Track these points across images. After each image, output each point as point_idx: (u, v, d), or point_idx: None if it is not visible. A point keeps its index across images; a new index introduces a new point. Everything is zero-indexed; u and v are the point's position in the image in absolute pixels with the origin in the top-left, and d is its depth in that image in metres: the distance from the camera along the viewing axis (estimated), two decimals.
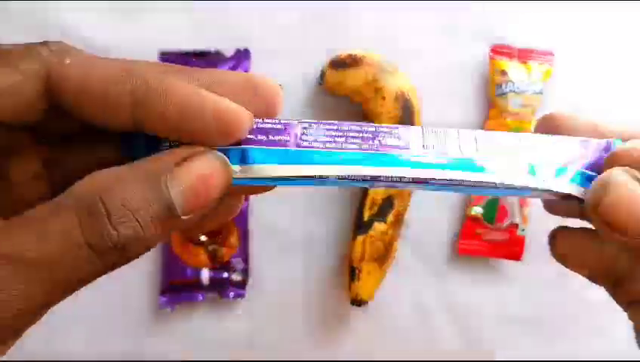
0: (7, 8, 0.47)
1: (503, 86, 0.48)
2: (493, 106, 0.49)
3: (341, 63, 0.46)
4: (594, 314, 0.49)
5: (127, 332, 0.48)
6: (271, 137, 0.19)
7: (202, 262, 0.48)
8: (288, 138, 0.19)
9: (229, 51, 0.48)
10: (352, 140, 0.20)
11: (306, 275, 0.49)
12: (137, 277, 0.49)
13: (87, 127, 0.18)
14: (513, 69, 0.48)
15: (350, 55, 0.46)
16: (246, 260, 0.49)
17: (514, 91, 0.48)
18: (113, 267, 0.16)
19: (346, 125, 0.20)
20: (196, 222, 0.17)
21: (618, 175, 0.18)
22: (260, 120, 0.19)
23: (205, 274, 0.48)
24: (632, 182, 0.17)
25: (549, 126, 0.22)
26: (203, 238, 0.48)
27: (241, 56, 0.48)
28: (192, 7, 0.48)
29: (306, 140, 0.19)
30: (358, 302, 0.47)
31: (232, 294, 0.48)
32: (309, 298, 0.49)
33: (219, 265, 0.48)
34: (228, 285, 0.48)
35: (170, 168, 0.16)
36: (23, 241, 0.15)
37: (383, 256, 0.46)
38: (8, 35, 0.46)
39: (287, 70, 0.48)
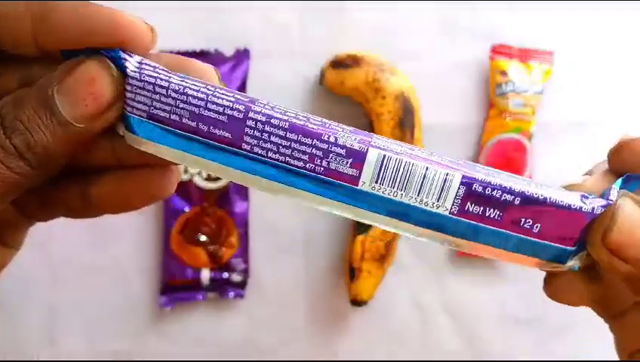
0: None
1: (503, 86, 0.48)
2: (493, 106, 0.49)
3: (341, 63, 0.46)
4: (594, 314, 0.49)
5: (127, 332, 0.48)
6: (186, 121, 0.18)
7: (202, 262, 0.48)
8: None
9: (229, 51, 0.48)
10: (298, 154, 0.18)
11: (306, 275, 0.49)
12: (137, 277, 0.49)
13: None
14: (513, 68, 0.48)
15: (350, 55, 0.46)
16: (246, 260, 0.49)
17: (514, 91, 0.48)
18: (26, 175, 0.18)
19: (299, 127, 0.18)
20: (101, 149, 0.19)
21: (625, 204, 0.18)
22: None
23: (205, 274, 0.48)
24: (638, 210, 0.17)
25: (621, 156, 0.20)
26: (203, 238, 0.48)
27: (241, 56, 0.48)
28: (192, 7, 0.48)
29: (248, 143, 0.18)
30: (358, 302, 0.47)
31: (232, 294, 0.48)
32: (309, 298, 0.49)
33: (219, 265, 0.48)
34: (228, 285, 0.48)
35: (58, 79, 0.18)
36: None
37: (383, 256, 0.46)
38: None
39: (287, 70, 0.48)
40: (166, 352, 0.48)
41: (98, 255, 0.48)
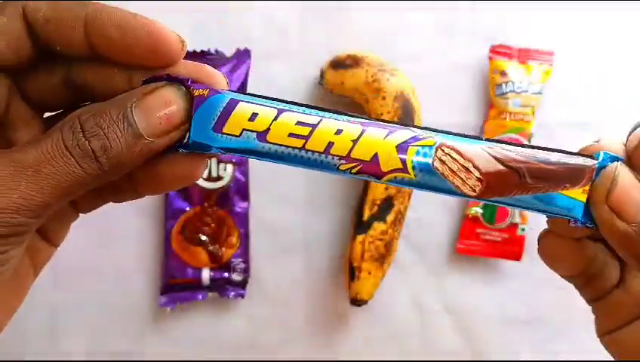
0: None
1: (503, 86, 0.48)
2: (493, 106, 0.49)
3: (341, 63, 0.46)
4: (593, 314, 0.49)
5: (127, 332, 0.49)
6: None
7: (202, 261, 0.48)
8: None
9: (229, 51, 0.48)
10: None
11: (306, 275, 0.49)
12: (137, 276, 0.49)
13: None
14: (513, 69, 0.48)
15: (350, 55, 0.46)
16: (246, 260, 0.49)
17: (514, 91, 0.48)
18: (95, 176, 0.20)
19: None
20: (164, 158, 0.21)
21: (623, 168, 0.21)
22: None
23: (205, 274, 0.48)
24: (632, 176, 0.20)
25: None
26: (203, 238, 0.48)
27: (241, 56, 0.48)
28: (192, 7, 0.48)
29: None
30: (358, 302, 0.47)
31: (232, 294, 0.48)
32: (309, 298, 0.49)
33: (219, 264, 0.48)
34: (228, 285, 0.48)
35: (137, 96, 0.20)
36: (24, 150, 0.19)
37: (383, 256, 0.46)
38: None
39: (287, 70, 0.48)
40: (166, 352, 0.48)
41: (98, 255, 0.48)
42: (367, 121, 0.21)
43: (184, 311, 0.49)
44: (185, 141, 0.21)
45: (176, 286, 0.48)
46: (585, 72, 0.50)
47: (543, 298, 0.50)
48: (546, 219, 0.24)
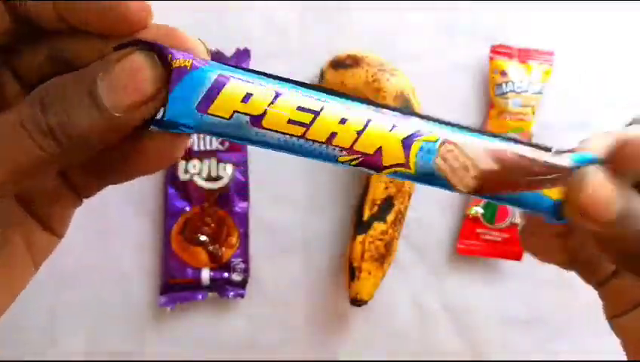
0: None
1: (503, 86, 0.48)
2: (493, 106, 0.49)
3: (341, 63, 0.46)
4: (594, 314, 0.49)
5: (127, 332, 0.49)
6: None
7: (202, 261, 0.48)
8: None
9: (229, 51, 0.48)
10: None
11: (306, 275, 0.49)
12: (137, 276, 0.49)
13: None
14: (513, 69, 0.48)
15: (350, 55, 0.46)
16: (246, 260, 0.49)
17: (514, 91, 0.48)
18: (56, 156, 0.18)
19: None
20: (137, 129, 0.19)
21: (592, 170, 0.20)
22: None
23: (205, 274, 0.48)
24: (603, 177, 0.20)
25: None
26: (203, 238, 0.48)
27: (241, 56, 0.48)
28: (192, 7, 0.48)
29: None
30: (358, 302, 0.47)
31: (232, 294, 0.48)
32: (308, 298, 0.49)
33: (219, 264, 0.48)
34: (228, 285, 0.48)
35: (104, 66, 0.18)
36: None
37: (383, 256, 0.46)
38: None
39: (287, 70, 0.48)
40: (166, 352, 0.48)
41: (98, 255, 0.48)
42: (371, 107, 0.19)
43: (184, 311, 0.49)
44: (159, 117, 0.18)
45: (176, 286, 0.48)
46: (585, 72, 0.50)
47: (543, 298, 0.50)
48: (521, 213, 0.24)
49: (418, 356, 0.50)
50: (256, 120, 0.18)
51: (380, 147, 0.19)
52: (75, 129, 0.18)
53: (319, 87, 0.19)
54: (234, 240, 0.48)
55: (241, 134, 0.18)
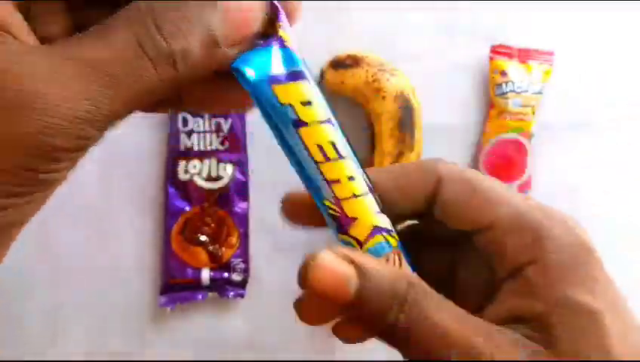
0: None
1: (503, 86, 0.48)
2: (493, 106, 0.49)
3: (341, 63, 0.46)
4: None
5: (127, 332, 0.48)
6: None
7: (202, 261, 0.48)
8: None
9: None
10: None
11: None
12: (137, 276, 0.49)
13: None
14: (513, 68, 0.48)
15: (350, 55, 0.46)
16: (246, 260, 0.49)
17: (514, 91, 0.48)
18: (168, 83, 0.17)
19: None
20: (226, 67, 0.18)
21: (319, 256, 0.19)
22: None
23: (205, 274, 0.48)
24: (334, 260, 0.19)
25: None
26: (203, 238, 0.48)
27: None
28: None
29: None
30: None
31: (232, 294, 0.48)
32: None
33: (219, 264, 0.48)
34: (228, 285, 0.48)
35: (214, 2, 0.18)
36: (92, 46, 0.16)
37: None
38: None
39: None
40: (166, 352, 0.48)
41: (98, 255, 0.48)
42: (371, 186, 0.21)
43: (184, 311, 0.49)
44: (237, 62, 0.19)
45: (176, 286, 0.48)
46: (585, 72, 0.50)
47: None
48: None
49: None
50: (300, 125, 0.19)
51: (357, 218, 0.20)
52: (193, 57, 0.17)
53: (354, 150, 0.21)
54: (234, 240, 0.48)
55: (278, 123, 0.19)
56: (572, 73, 0.50)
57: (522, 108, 0.48)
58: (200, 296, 0.48)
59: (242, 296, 0.48)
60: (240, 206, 0.49)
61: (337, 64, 0.46)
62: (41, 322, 0.48)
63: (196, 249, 0.48)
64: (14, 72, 0.15)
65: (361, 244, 0.21)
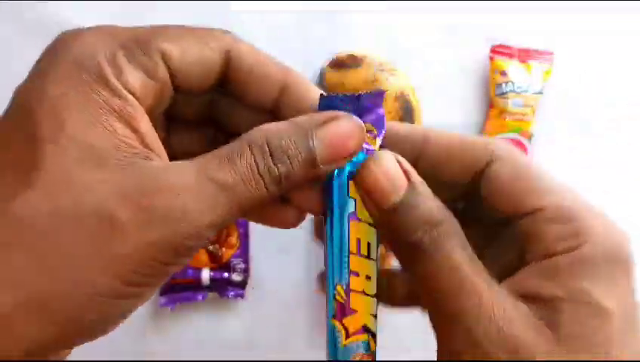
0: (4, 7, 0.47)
1: (503, 86, 0.48)
2: (493, 106, 0.49)
3: (341, 63, 0.46)
4: None
5: (127, 332, 0.49)
6: None
7: (202, 261, 0.48)
8: None
9: None
10: None
11: (306, 275, 0.49)
12: None
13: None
14: (513, 68, 0.48)
15: (350, 55, 0.46)
16: (246, 260, 0.49)
17: (514, 91, 0.48)
18: (272, 197, 0.20)
19: None
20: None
21: (384, 154, 0.21)
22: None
23: (205, 274, 0.48)
24: (392, 161, 0.21)
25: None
26: None
27: None
28: (191, 8, 0.48)
29: None
30: None
31: (232, 294, 0.48)
32: (309, 298, 0.49)
33: (219, 264, 0.48)
34: (228, 285, 0.48)
35: (317, 124, 0.20)
36: (221, 168, 0.19)
37: (383, 256, 0.46)
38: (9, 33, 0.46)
39: None
40: (166, 352, 0.48)
41: None
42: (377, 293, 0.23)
43: (184, 311, 0.49)
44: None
45: (177, 287, 0.48)
46: (585, 72, 0.50)
47: None
48: None
49: (418, 356, 0.50)
50: (354, 218, 0.22)
51: (356, 311, 0.23)
52: (295, 177, 0.20)
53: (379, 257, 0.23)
54: (234, 240, 0.48)
55: (336, 209, 0.22)
56: (572, 73, 0.50)
57: (522, 108, 0.48)
58: (200, 296, 0.48)
59: (242, 296, 0.48)
60: None
61: (337, 64, 0.46)
62: None
63: None
64: (164, 187, 0.19)
65: (347, 335, 0.23)
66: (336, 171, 0.21)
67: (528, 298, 0.20)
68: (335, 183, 0.22)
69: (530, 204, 0.21)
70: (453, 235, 0.20)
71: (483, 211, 0.23)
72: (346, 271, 0.22)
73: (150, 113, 0.20)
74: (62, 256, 0.18)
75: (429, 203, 0.20)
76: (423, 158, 0.23)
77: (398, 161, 0.21)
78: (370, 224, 0.22)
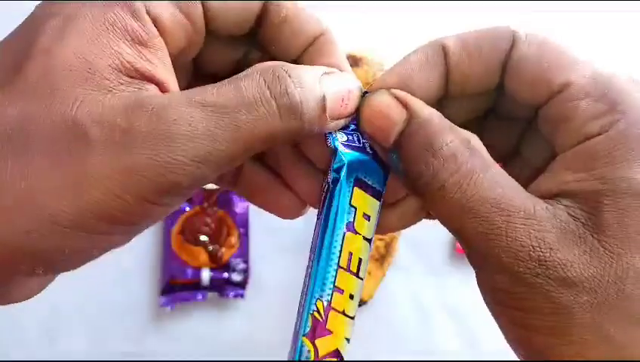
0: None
1: None
2: None
3: None
4: None
5: (127, 332, 0.49)
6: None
7: (202, 261, 0.48)
8: None
9: None
10: None
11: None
12: (138, 277, 0.49)
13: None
14: None
15: (350, 55, 0.46)
16: (246, 260, 0.49)
17: None
18: (286, 135, 0.18)
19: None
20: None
21: (379, 92, 0.21)
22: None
23: (205, 274, 0.48)
24: (387, 96, 0.20)
25: None
26: (203, 238, 0.48)
27: None
28: None
29: None
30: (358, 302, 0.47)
31: (232, 294, 0.48)
32: None
33: (219, 264, 0.48)
34: (227, 285, 0.48)
35: (323, 70, 0.20)
36: (220, 93, 0.17)
37: (383, 256, 0.46)
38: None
39: None
40: (166, 352, 0.48)
41: None
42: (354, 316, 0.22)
43: (184, 311, 0.49)
44: (334, 142, 0.20)
45: (177, 287, 0.48)
46: None
47: None
48: None
49: (418, 355, 0.50)
50: (351, 229, 0.21)
51: (332, 332, 0.22)
52: (310, 114, 0.18)
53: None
54: (234, 240, 0.48)
55: (337, 215, 0.21)
56: None
57: None
58: (200, 296, 0.48)
59: (242, 296, 0.48)
60: (240, 206, 0.49)
61: None
62: (42, 322, 0.48)
63: (196, 249, 0.48)
64: (146, 110, 0.16)
65: (316, 356, 0.22)
66: (343, 174, 0.20)
67: (563, 195, 0.18)
68: (339, 186, 0.20)
69: (557, 80, 0.18)
70: (462, 153, 0.18)
71: (512, 106, 0.21)
72: (331, 286, 0.21)
73: (178, 56, 0.19)
74: (20, 165, 0.16)
75: (430, 128, 0.19)
76: (451, 71, 0.22)
77: (395, 95, 0.20)
78: (365, 239, 0.21)
